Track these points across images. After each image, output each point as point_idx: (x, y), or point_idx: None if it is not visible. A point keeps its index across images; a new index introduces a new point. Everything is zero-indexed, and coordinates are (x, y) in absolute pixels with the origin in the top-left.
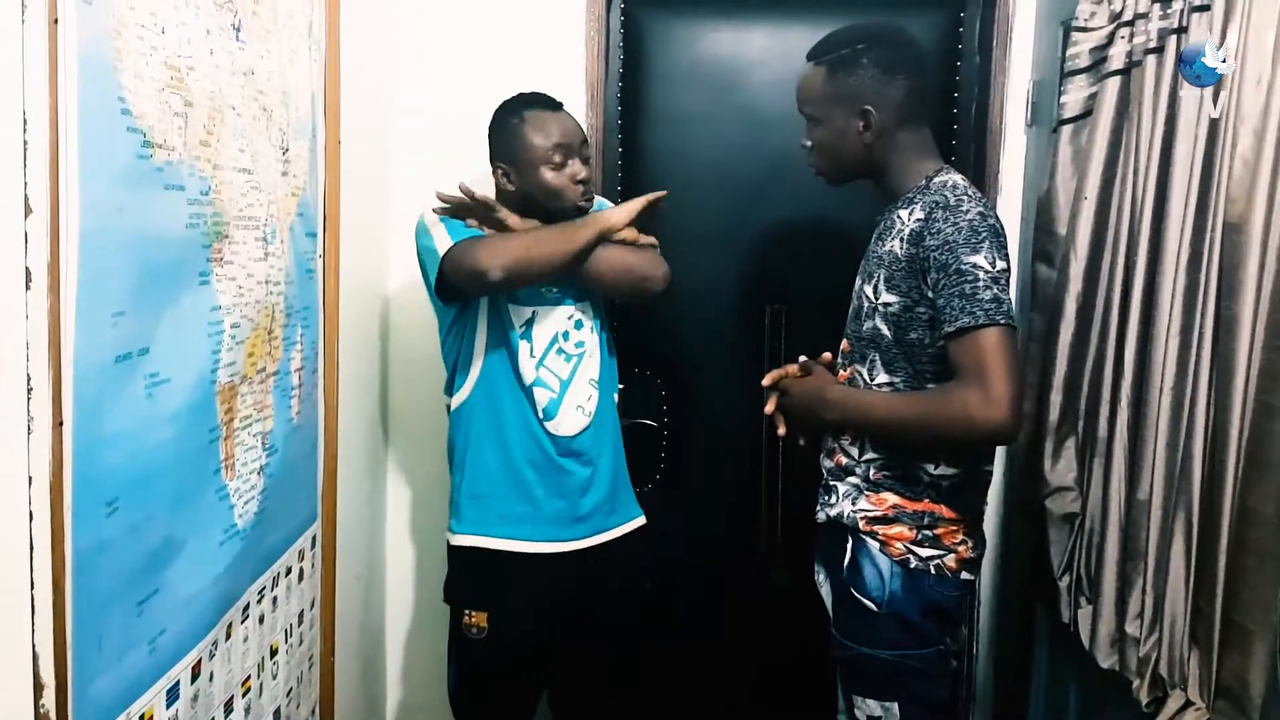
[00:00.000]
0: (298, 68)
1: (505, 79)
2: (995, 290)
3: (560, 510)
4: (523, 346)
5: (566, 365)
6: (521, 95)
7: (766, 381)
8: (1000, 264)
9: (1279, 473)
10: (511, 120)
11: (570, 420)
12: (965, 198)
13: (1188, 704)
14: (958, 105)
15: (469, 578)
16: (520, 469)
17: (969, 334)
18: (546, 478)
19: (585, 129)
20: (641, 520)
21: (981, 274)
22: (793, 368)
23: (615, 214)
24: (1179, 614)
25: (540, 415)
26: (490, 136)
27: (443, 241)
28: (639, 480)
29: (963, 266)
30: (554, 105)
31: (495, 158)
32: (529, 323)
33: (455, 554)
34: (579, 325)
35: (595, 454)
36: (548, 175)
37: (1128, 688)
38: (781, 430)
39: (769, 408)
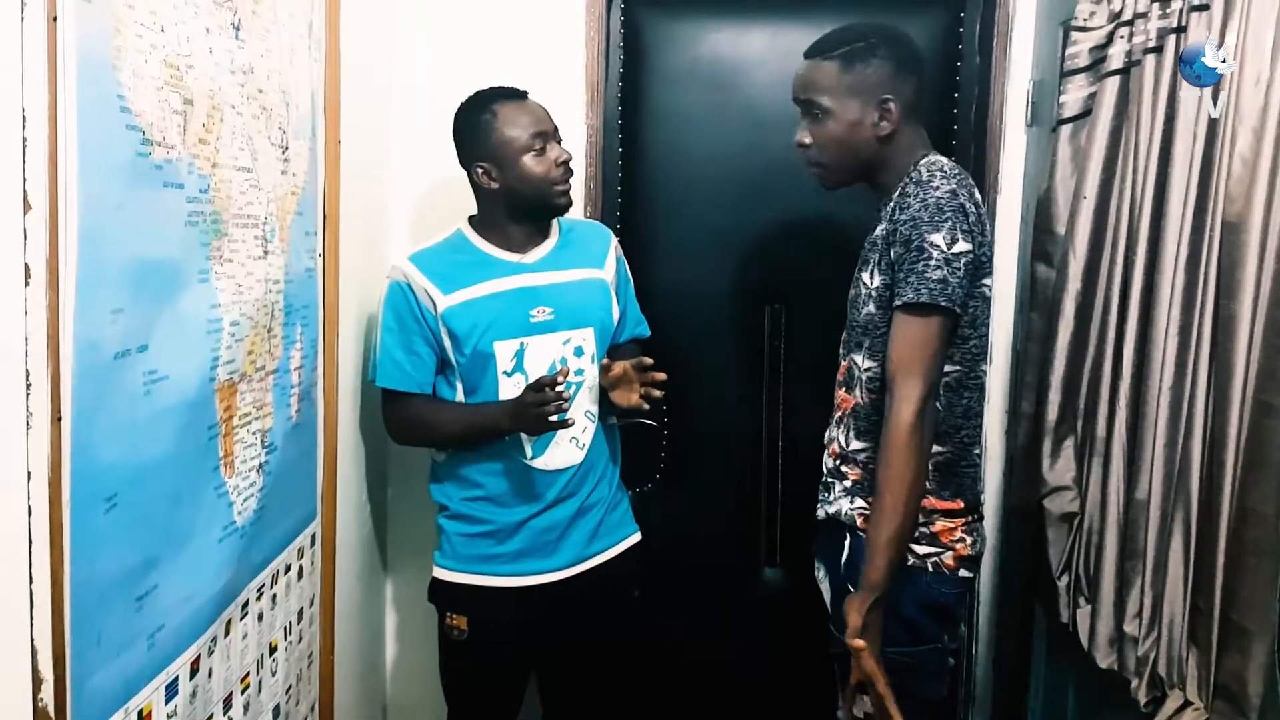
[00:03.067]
0: (297, 67)
1: (506, 79)
2: (944, 271)
3: (541, 548)
4: (513, 381)
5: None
6: (482, 92)
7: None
8: (961, 244)
9: (1278, 472)
10: (482, 117)
11: (562, 454)
12: (938, 174)
13: (1186, 704)
14: (958, 105)
15: (451, 589)
16: (499, 516)
17: (910, 311)
18: (529, 522)
19: (585, 128)
20: (635, 538)
21: (935, 253)
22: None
23: (507, 419)
24: (1178, 614)
25: (528, 453)
26: (460, 138)
27: (375, 364)
28: (639, 480)
29: (923, 244)
30: (520, 95)
31: (473, 158)
32: (519, 354)
33: (439, 581)
34: (579, 352)
35: (583, 490)
36: (532, 163)
37: (1126, 687)
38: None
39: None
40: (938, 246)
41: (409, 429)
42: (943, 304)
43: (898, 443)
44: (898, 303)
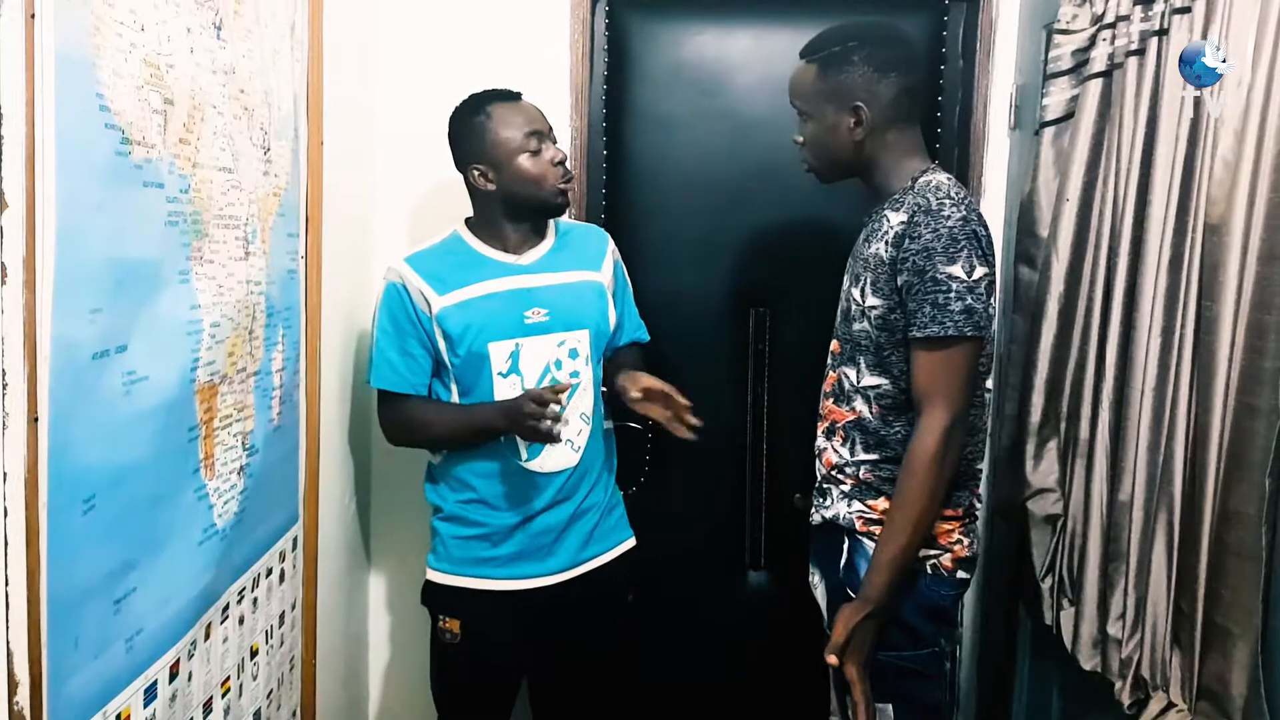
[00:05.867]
0: (280, 67)
1: (491, 81)
2: (969, 300)
3: (536, 552)
4: (509, 383)
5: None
6: (476, 95)
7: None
8: (979, 270)
9: (1260, 474)
10: (477, 119)
11: (557, 456)
12: (947, 201)
13: (1170, 705)
14: (941, 108)
15: (444, 591)
16: (494, 519)
17: (934, 345)
18: (525, 525)
19: (570, 131)
20: (630, 543)
21: (955, 285)
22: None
23: (500, 418)
24: (1161, 615)
25: (523, 455)
26: (455, 141)
27: (371, 366)
28: (624, 483)
29: (938, 275)
30: (514, 96)
31: (468, 160)
32: (514, 356)
33: (432, 584)
34: (574, 355)
35: (579, 493)
36: (527, 164)
37: (1110, 689)
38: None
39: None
40: (957, 278)
41: (404, 430)
42: (969, 334)
43: (919, 467)
44: (919, 334)
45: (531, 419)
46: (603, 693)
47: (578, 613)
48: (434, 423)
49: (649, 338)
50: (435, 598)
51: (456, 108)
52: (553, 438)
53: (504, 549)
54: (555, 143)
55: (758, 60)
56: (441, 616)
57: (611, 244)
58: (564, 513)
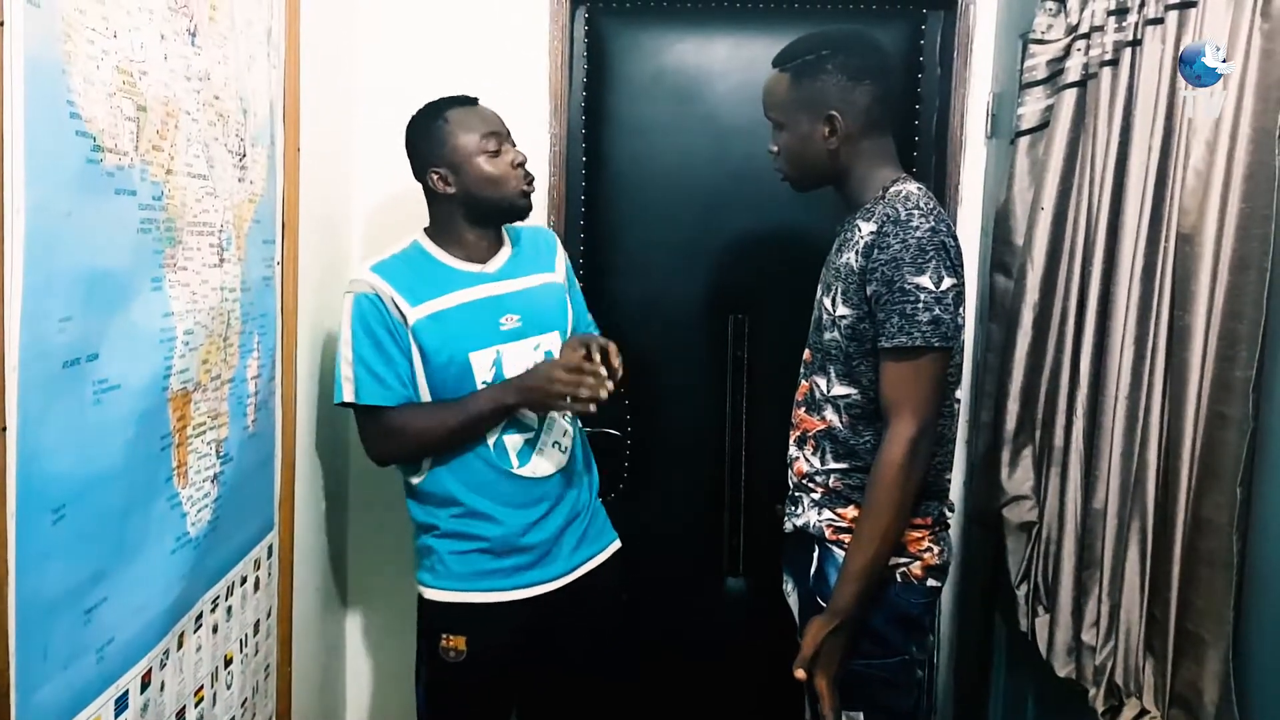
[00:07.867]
0: (256, 74)
1: (469, 88)
2: (936, 310)
3: (537, 560)
4: None
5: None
6: (432, 102)
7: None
8: (948, 281)
9: (1231, 482)
10: (435, 123)
11: (547, 460)
12: (916, 211)
13: (1143, 712)
14: (918, 117)
15: (446, 609)
16: (493, 531)
17: (902, 355)
18: (524, 534)
19: (548, 137)
20: (617, 544)
21: (923, 295)
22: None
23: (512, 394)
24: (1134, 622)
25: (515, 462)
26: (414, 147)
27: (346, 382)
28: (602, 489)
29: (906, 286)
30: (471, 101)
31: (428, 165)
32: (497, 363)
33: (432, 603)
34: (549, 356)
35: (571, 494)
36: (487, 165)
37: (1084, 696)
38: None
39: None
40: (925, 289)
41: (396, 443)
42: (937, 344)
43: (886, 477)
44: (887, 344)
45: (565, 387)
46: (598, 697)
47: (578, 619)
48: (430, 426)
49: (598, 332)
50: (436, 617)
51: (413, 116)
52: (588, 405)
53: (507, 560)
54: (515, 146)
55: (737, 68)
56: (444, 635)
57: (559, 241)
58: (559, 517)
